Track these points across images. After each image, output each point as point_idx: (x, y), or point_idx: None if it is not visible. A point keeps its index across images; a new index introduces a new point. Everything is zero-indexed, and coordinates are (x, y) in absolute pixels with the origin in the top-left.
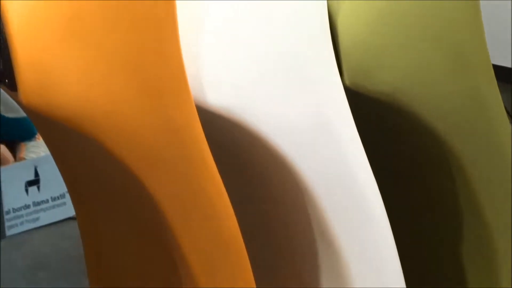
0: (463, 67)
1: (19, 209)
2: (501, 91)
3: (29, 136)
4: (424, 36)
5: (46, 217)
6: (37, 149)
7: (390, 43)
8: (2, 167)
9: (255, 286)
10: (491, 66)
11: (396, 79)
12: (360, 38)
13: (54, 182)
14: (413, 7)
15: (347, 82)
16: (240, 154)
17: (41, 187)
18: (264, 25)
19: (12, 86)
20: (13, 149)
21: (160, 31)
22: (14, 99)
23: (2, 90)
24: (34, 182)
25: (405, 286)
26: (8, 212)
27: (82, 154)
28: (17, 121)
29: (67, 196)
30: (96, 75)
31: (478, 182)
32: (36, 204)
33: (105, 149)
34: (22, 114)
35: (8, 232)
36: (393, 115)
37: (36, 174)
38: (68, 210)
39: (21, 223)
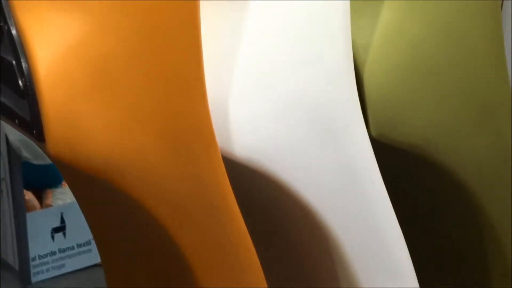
0: (489, 120)
1: (45, 255)
2: None
3: (55, 183)
4: (452, 89)
5: (72, 264)
6: (63, 196)
7: (418, 95)
8: (29, 214)
9: None
10: None
11: (422, 132)
12: (387, 90)
13: (80, 229)
14: (441, 59)
15: (373, 133)
16: (266, 203)
17: (67, 234)
18: (291, 77)
19: (39, 137)
20: (39, 196)
21: (187, 87)
22: (41, 149)
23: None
24: (60, 228)
25: None
26: (34, 259)
27: (108, 203)
28: (44, 168)
29: (93, 243)
30: (124, 128)
31: (504, 236)
32: (62, 251)
33: (132, 199)
34: (49, 161)
35: (34, 279)
36: (419, 166)
37: (62, 220)
38: (93, 257)
39: (47, 270)
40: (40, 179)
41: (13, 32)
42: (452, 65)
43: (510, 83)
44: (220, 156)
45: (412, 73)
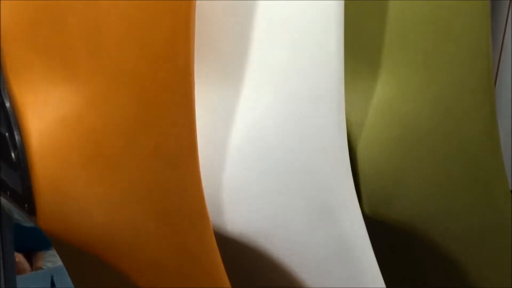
0: (487, 199)
1: None
2: None
3: (46, 245)
4: (447, 167)
5: None
6: (54, 258)
7: (412, 172)
8: (19, 276)
9: None
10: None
11: (416, 208)
12: (381, 167)
13: None
14: (436, 137)
15: (366, 210)
16: (258, 278)
17: None
18: (287, 153)
19: (31, 211)
20: (30, 258)
21: (182, 163)
22: (33, 222)
23: None
24: None
25: None
26: None
27: (96, 272)
28: (34, 230)
29: None
30: (117, 203)
31: None
32: None
33: (120, 271)
34: None
35: None
36: (413, 244)
37: (53, 283)
38: None
39: None
40: (31, 241)
41: (7, 104)
42: (447, 142)
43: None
44: (212, 232)
45: (406, 150)
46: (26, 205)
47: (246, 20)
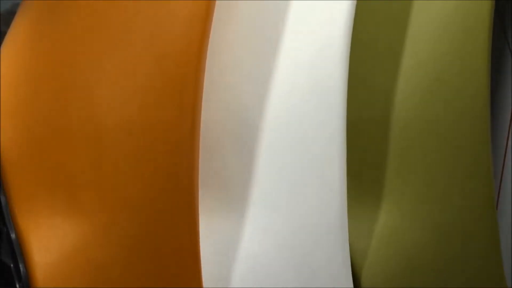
0: None
1: None
2: None
3: None
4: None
5: None
6: None
7: None
8: None
9: None
10: None
11: None
12: None
13: None
14: (440, 263)
15: None
16: None
17: None
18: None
19: None
20: None
21: (184, 265)
22: None
23: None
24: None
25: None
26: None
27: None
28: None
29: None
30: None
31: None
32: None
33: None
34: None
35: None
36: None
37: None
38: None
39: None
40: None
41: (12, 236)
42: (451, 271)
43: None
44: None
45: (410, 277)
46: None
47: (250, 149)
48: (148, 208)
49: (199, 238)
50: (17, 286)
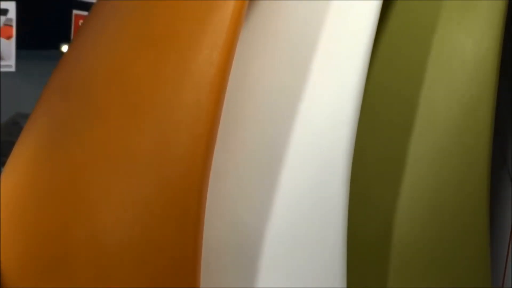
0: None
1: None
2: None
3: None
4: None
5: None
6: None
7: None
8: None
9: None
10: None
11: None
12: None
13: None
14: None
15: None
16: None
17: None
18: None
19: None
20: None
21: None
22: None
23: None
24: None
25: None
26: None
27: None
28: None
29: None
30: None
31: None
32: None
33: None
34: None
35: None
36: None
37: None
38: None
39: None
40: None
41: None
42: None
43: None
44: None
45: None
46: None
47: (251, 268)
48: None
49: None
50: None
